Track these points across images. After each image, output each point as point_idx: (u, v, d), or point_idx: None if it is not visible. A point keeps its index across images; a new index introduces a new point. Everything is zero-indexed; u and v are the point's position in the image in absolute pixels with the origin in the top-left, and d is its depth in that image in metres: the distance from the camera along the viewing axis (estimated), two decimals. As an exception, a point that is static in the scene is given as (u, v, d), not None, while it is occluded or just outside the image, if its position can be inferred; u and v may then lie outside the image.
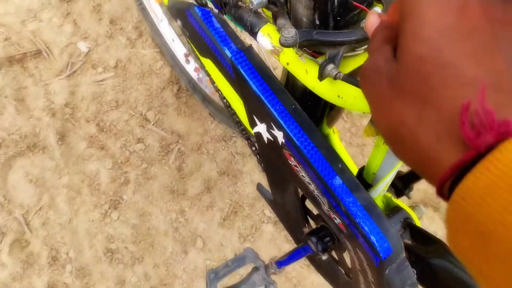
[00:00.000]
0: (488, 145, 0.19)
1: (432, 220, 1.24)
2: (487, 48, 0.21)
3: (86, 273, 1.15)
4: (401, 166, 0.58)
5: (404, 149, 0.24)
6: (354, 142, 1.32)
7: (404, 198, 0.70)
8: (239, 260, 0.87)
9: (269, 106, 0.55)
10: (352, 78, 0.39)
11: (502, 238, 0.17)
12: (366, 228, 0.51)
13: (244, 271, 1.04)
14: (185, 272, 1.16)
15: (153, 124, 1.28)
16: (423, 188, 1.29)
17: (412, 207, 0.65)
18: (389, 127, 0.24)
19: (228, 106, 0.85)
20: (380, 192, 0.60)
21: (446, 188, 0.21)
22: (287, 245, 1.19)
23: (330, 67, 0.39)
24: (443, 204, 1.28)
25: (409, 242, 0.61)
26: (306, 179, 0.57)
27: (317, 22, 0.48)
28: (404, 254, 0.52)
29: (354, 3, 0.39)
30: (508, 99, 0.20)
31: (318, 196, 0.57)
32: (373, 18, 0.28)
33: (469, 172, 0.19)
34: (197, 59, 0.79)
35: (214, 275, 0.85)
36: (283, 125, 0.54)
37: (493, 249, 0.17)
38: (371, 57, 0.26)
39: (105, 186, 1.22)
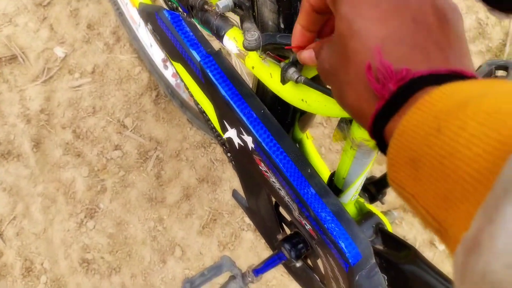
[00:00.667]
0: (391, 91, 0.23)
1: (412, 226, 1.24)
2: (393, 11, 0.26)
3: (61, 284, 1.12)
4: (371, 172, 0.58)
5: (347, 110, 0.29)
6: (333, 148, 1.32)
7: (378, 204, 0.70)
8: (215, 269, 0.85)
9: (238, 110, 0.55)
10: (313, 82, 0.38)
11: (428, 157, 0.20)
12: (335, 233, 0.50)
13: (221, 279, 1.02)
14: (163, 282, 1.14)
15: (131, 131, 1.26)
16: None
17: (384, 213, 0.65)
18: (335, 97, 0.30)
19: (202, 111, 0.84)
20: (351, 198, 0.59)
21: (376, 132, 0.25)
22: (267, 252, 1.18)
23: (291, 70, 0.39)
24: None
25: (380, 247, 0.60)
26: (277, 185, 0.56)
27: (282, 26, 0.47)
28: (374, 260, 0.52)
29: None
30: (408, 51, 0.24)
31: (289, 202, 0.56)
32: (297, 34, 0.36)
33: (396, 114, 0.23)
34: (171, 64, 0.78)
35: (189, 285, 0.83)
36: (252, 130, 0.54)
37: (422, 169, 0.20)
38: (316, 57, 0.34)
39: (81, 195, 1.19)
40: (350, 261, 0.50)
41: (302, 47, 0.37)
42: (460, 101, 0.20)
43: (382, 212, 0.63)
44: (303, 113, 0.65)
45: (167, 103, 1.30)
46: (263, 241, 1.19)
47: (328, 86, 0.37)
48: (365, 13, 0.26)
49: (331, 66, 0.30)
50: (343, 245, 0.50)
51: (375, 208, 0.64)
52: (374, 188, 0.68)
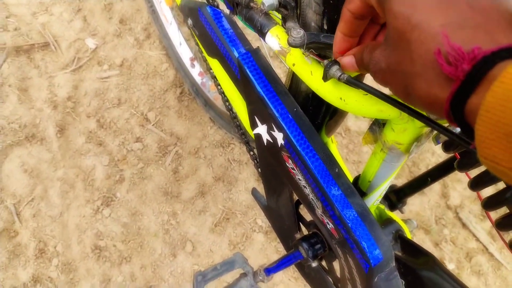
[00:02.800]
0: (465, 71, 0.24)
1: (423, 242, 1.24)
2: (446, 0, 0.27)
3: (72, 269, 1.14)
4: (395, 178, 0.59)
5: (418, 102, 0.29)
6: (350, 159, 1.33)
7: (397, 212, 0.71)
8: (227, 264, 0.86)
9: (271, 107, 0.56)
10: (356, 80, 0.40)
11: None
12: (358, 233, 0.51)
13: (230, 279, 1.03)
14: (172, 276, 1.15)
15: (153, 125, 1.28)
16: (415, 210, 1.30)
17: (404, 221, 0.66)
18: (400, 93, 0.31)
19: (230, 109, 0.86)
20: (374, 202, 0.60)
21: (455, 114, 0.26)
22: (277, 255, 1.19)
23: (334, 68, 0.40)
24: (434, 227, 1.28)
25: (399, 254, 0.61)
26: (302, 182, 0.57)
27: (325, 27, 0.49)
28: (394, 263, 0.53)
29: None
30: (472, 32, 0.25)
31: (313, 200, 0.57)
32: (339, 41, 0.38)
33: (473, 93, 0.24)
34: (203, 61, 0.81)
35: (201, 278, 0.84)
36: (284, 126, 0.55)
37: None
38: (367, 61, 0.34)
39: (100, 183, 1.21)
40: (371, 261, 0.51)
41: (343, 53, 0.39)
42: None
43: (402, 220, 0.64)
44: (331, 117, 0.66)
45: (190, 101, 1.32)
46: (273, 244, 1.20)
47: (367, 85, 0.39)
48: (420, 6, 0.28)
49: (389, 64, 0.31)
50: (365, 245, 0.51)
51: (395, 215, 0.65)
52: (395, 197, 0.69)
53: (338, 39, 0.38)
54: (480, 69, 0.24)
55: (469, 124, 0.26)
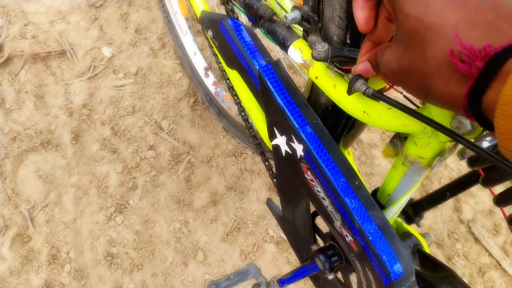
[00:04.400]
0: (479, 68, 0.25)
1: (435, 257, 1.22)
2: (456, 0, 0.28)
3: (84, 275, 1.14)
4: (414, 192, 0.59)
5: (435, 100, 0.30)
6: (362, 171, 1.33)
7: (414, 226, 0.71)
8: (241, 274, 0.86)
9: (291, 118, 0.57)
10: (381, 94, 0.40)
11: None
12: (378, 247, 0.51)
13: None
14: (183, 284, 1.15)
15: (167, 133, 1.29)
16: (428, 224, 1.29)
17: (422, 235, 0.65)
18: (416, 93, 0.32)
19: (246, 119, 0.87)
20: (392, 215, 0.60)
21: (473, 109, 0.27)
22: (288, 267, 1.18)
23: (359, 82, 0.41)
24: (446, 241, 1.27)
25: (418, 268, 0.61)
26: (321, 194, 0.58)
27: (348, 41, 0.50)
28: (414, 278, 0.52)
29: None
30: (483, 30, 0.26)
31: (332, 212, 0.57)
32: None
33: (489, 88, 0.25)
34: (220, 71, 0.82)
35: (215, 287, 0.84)
36: (304, 138, 0.56)
37: None
38: (377, 62, 0.36)
39: (113, 190, 1.22)
40: (391, 275, 0.50)
41: (368, 22, 0.40)
42: None
43: (420, 234, 0.64)
44: (349, 130, 0.66)
45: (203, 110, 1.33)
46: (284, 255, 1.19)
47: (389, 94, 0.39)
48: (432, 7, 0.28)
49: (402, 65, 0.32)
50: (386, 259, 0.51)
51: (413, 229, 0.65)
52: (412, 210, 0.69)
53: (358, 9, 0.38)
54: (493, 65, 0.25)
55: (487, 119, 0.27)
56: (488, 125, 0.27)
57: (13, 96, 1.30)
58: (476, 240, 1.28)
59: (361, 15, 0.38)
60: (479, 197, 1.34)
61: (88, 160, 1.25)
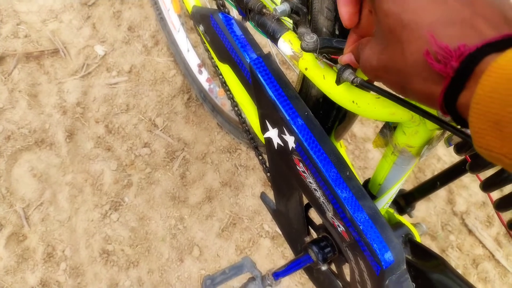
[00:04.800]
0: (454, 68, 0.25)
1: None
2: None
3: (79, 273, 1.15)
4: (405, 182, 0.59)
5: (413, 97, 0.31)
6: (356, 165, 1.34)
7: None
8: (236, 268, 0.87)
9: (283, 111, 0.57)
10: (369, 83, 0.41)
11: (510, 116, 0.22)
12: (369, 236, 0.52)
13: (238, 283, 1.04)
14: (179, 280, 1.15)
15: (161, 130, 1.30)
16: (422, 216, 1.30)
17: (414, 225, 0.66)
18: (396, 88, 0.33)
19: (239, 114, 0.87)
20: (383, 205, 0.61)
21: (449, 108, 0.27)
22: (283, 261, 1.19)
23: (347, 72, 0.41)
24: (440, 233, 1.28)
25: (409, 257, 0.61)
26: (313, 185, 0.58)
27: (337, 32, 0.50)
28: (405, 266, 0.53)
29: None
30: (459, 29, 0.27)
31: (324, 202, 0.58)
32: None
33: (464, 88, 0.26)
34: (213, 66, 0.82)
35: (210, 282, 0.85)
36: (295, 130, 0.56)
37: (507, 128, 0.22)
38: (359, 57, 0.36)
39: (108, 187, 1.22)
40: (382, 264, 0.51)
41: (352, 18, 0.40)
42: None
43: (411, 224, 0.65)
44: (341, 122, 0.67)
45: (197, 107, 1.34)
46: (280, 249, 1.20)
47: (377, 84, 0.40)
48: (409, 5, 0.29)
49: (380, 61, 0.32)
50: (376, 247, 0.51)
51: (404, 219, 0.66)
52: (404, 201, 0.70)
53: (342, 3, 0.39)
54: (467, 65, 0.25)
55: (463, 117, 0.27)
56: (463, 123, 0.27)
57: (7, 95, 1.30)
58: (470, 231, 1.30)
59: (345, 10, 0.38)
60: (472, 189, 1.35)
61: (83, 158, 1.25)
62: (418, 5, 0.29)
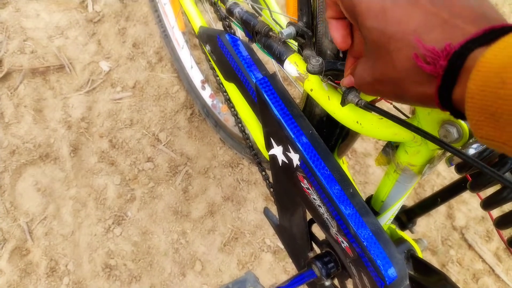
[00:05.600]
0: (443, 67, 0.27)
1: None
2: (411, 5, 0.30)
3: (82, 287, 1.15)
4: (407, 199, 0.61)
5: (412, 101, 0.33)
6: (356, 180, 1.35)
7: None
8: (239, 283, 0.87)
9: (288, 129, 0.59)
10: (372, 105, 0.43)
11: (503, 106, 0.23)
12: (373, 252, 0.53)
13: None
14: (181, 295, 1.16)
15: (164, 145, 1.31)
16: (422, 231, 1.31)
17: (415, 240, 0.67)
18: (393, 97, 0.34)
19: (243, 130, 0.89)
20: (386, 221, 0.62)
21: (445, 104, 0.29)
22: (285, 275, 1.19)
23: (352, 94, 0.43)
24: (440, 248, 1.29)
25: (411, 273, 0.63)
26: (317, 202, 0.60)
27: (341, 55, 0.52)
28: (407, 281, 0.54)
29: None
30: (441, 30, 0.28)
31: (328, 219, 0.59)
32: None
33: (456, 83, 0.27)
34: (218, 84, 0.84)
35: (213, 296, 0.85)
36: (300, 148, 0.58)
37: (502, 118, 0.24)
38: (352, 76, 0.39)
39: (111, 201, 1.24)
40: (386, 279, 0.52)
41: (344, 40, 0.42)
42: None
43: (413, 239, 0.66)
44: (343, 140, 0.69)
45: (200, 122, 1.36)
46: (281, 264, 1.21)
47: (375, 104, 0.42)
48: (390, 17, 0.31)
49: (374, 75, 0.34)
50: (380, 263, 0.53)
51: (406, 235, 0.67)
52: (405, 217, 0.71)
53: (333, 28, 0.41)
54: (455, 62, 0.27)
55: (460, 111, 0.29)
56: (462, 116, 0.29)
57: (12, 110, 1.32)
58: (470, 246, 1.31)
59: (337, 35, 0.41)
60: (472, 204, 1.36)
61: (87, 172, 1.27)
62: (398, 16, 0.31)
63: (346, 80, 0.42)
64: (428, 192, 1.36)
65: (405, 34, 0.30)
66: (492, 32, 0.26)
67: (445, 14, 0.29)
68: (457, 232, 1.33)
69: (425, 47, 0.28)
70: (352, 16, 0.35)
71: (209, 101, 1.28)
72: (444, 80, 0.28)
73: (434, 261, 1.27)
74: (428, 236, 1.31)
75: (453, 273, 1.26)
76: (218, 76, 0.80)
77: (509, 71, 0.23)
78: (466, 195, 1.38)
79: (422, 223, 1.32)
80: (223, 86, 0.81)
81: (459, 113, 0.29)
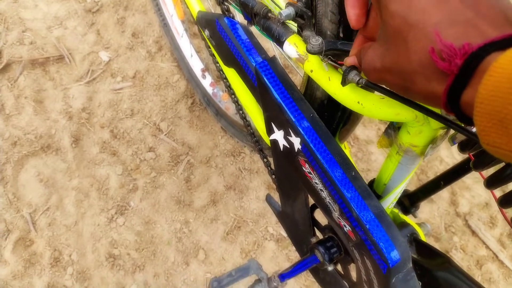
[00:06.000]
0: (458, 66, 0.26)
1: (434, 250, 1.24)
2: None
3: (86, 277, 1.15)
4: (409, 182, 0.60)
5: (417, 96, 0.32)
6: (359, 167, 1.34)
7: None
8: (242, 271, 0.87)
9: (288, 113, 0.58)
10: (373, 84, 0.42)
11: None
12: (375, 235, 0.52)
13: (243, 286, 1.04)
14: (185, 284, 1.16)
15: (165, 135, 1.31)
16: (425, 218, 1.30)
17: (419, 224, 0.67)
18: (399, 89, 0.33)
19: (243, 117, 0.88)
20: (389, 205, 0.61)
21: (452, 106, 0.28)
22: (288, 263, 1.20)
23: (353, 73, 0.42)
24: (444, 235, 1.28)
25: (415, 256, 0.62)
26: (319, 186, 0.59)
27: (341, 35, 0.51)
28: (411, 264, 0.54)
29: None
30: (463, 28, 0.27)
31: (330, 203, 0.59)
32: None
33: (468, 85, 0.26)
34: (218, 70, 0.83)
35: (217, 284, 0.86)
36: (301, 131, 0.57)
37: (510, 125, 0.23)
38: (361, 60, 0.37)
39: (114, 192, 1.24)
40: (389, 262, 0.52)
41: (359, 18, 0.41)
42: None
43: (416, 223, 0.66)
44: (345, 124, 0.68)
45: (201, 111, 1.35)
46: (284, 252, 1.21)
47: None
48: (415, 5, 0.30)
49: (384, 63, 0.33)
50: (383, 246, 0.52)
51: (409, 219, 0.66)
52: (408, 201, 0.71)
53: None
54: (471, 63, 0.26)
55: (466, 115, 0.28)
56: (467, 120, 0.28)
57: (13, 101, 1.31)
58: (473, 233, 1.30)
59: (352, 12, 0.39)
60: (475, 190, 1.36)
61: (88, 163, 1.26)
62: (423, 6, 0.29)
63: (350, 59, 0.41)
64: (431, 177, 1.35)
65: (426, 25, 0.29)
66: (511, 38, 0.26)
67: (470, 12, 0.28)
68: (460, 219, 1.32)
69: (443, 42, 0.27)
70: None
71: (209, 90, 1.27)
72: (456, 79, 0.27)
73: (437, 248, 1.27)
74: (431, 222, 1.31)
75: (457, 260, 1.25)
76: (218, 62, 0.79)
77: None
78: (469, 181, 1.37)
79: (426, 210, 1.31)
80: (223, 73, 0.80)
81: (464, 117, 0.28)
